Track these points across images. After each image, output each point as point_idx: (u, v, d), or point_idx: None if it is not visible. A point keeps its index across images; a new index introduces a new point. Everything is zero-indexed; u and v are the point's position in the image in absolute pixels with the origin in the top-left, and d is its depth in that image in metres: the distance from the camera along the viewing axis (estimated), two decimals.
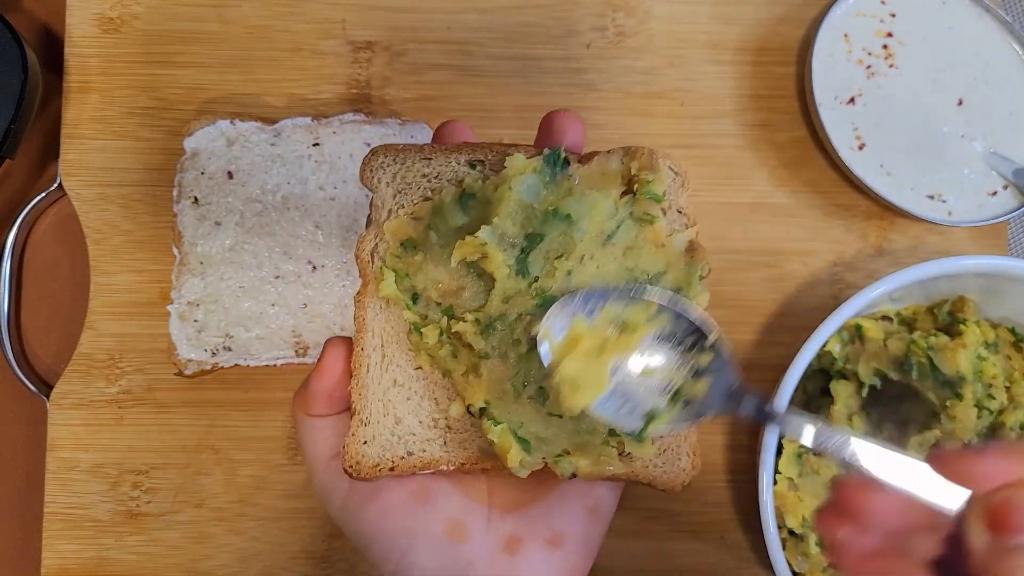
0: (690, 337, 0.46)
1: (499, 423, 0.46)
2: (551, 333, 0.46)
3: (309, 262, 0.73)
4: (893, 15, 0.78)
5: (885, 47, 0.78)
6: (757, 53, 0.80)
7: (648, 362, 0.46)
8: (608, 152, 0.49)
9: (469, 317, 0.47)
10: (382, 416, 0.48)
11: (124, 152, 0.76)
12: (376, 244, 0.49)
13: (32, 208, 0.76)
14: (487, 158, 0.49)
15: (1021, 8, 0.82)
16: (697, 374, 0.46)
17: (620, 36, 0.79)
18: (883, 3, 0.78)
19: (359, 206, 0.74)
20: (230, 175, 0.74)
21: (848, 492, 0.42)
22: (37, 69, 0.74)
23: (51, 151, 0.77)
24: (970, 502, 0.39)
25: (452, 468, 0.49)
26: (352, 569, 0.74)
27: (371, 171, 0.50)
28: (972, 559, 0.38)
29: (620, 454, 0.48)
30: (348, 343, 0.49)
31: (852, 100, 0.77)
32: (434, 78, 0.78)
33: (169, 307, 0.72)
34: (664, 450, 0.49)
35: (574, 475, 0.47)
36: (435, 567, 0.47)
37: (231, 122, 0.74)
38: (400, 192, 0.49)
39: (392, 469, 0.48)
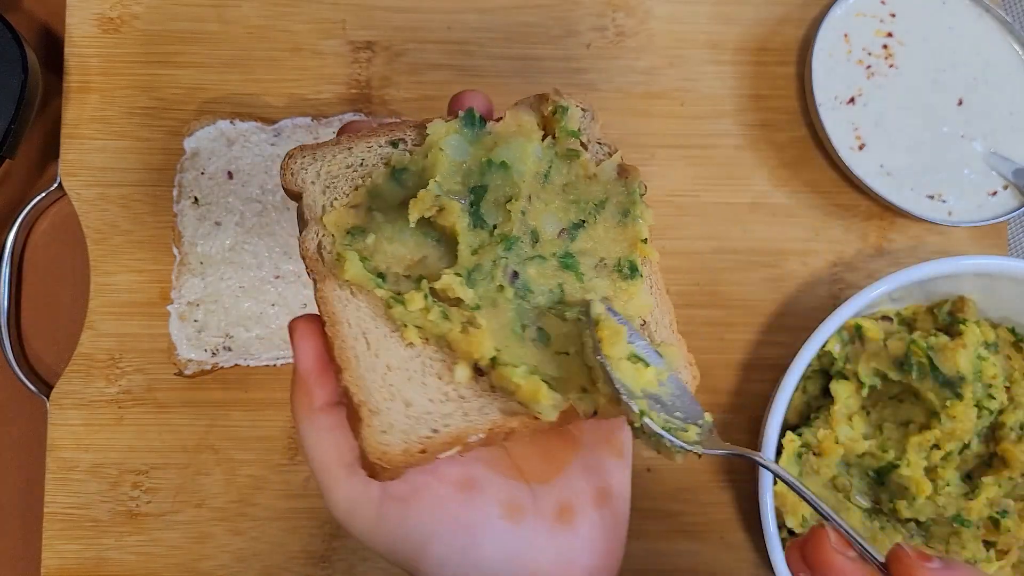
0: (681, 409, 0.47)
1: (517, 367, 0.45)
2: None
3: None
4: (893, 15, 0.78)
5: (885, 47, 0.78)
6: (757, 53, 0.80)
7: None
8: (517, 104, 0.51)
9: (448, 271, 0.46)
10: (390, 402, 0.45)
11: (124, 152, 0.76)
12: (320, 240, 0.47)
13: (32, 208, 0.76)
14: (406, 135, 0.50)
15: (1021, 8, 0.82)
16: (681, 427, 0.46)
17: (620, 36, 0.79)
18: (883, 3, 0.78)
19: None
20: (230, 175, 0.74)
21: (817, 543, 0.41)
22: (37, 69, 0.74)
23: (51, 151, 0.77)
24: None
25: (482, 436, 0.46)
26: (352, 569, 0.74)
27: (292, 174, 0.48)
28: None
29: None
30: (310, 316, 0.47)
31: (852, 100, 0.77)
32: (434, 78, 0.78)
33: (169, 307, 0.72)
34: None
35: (595, 412, 0.46)
36: (502, 555, 0.45)
37: (231, 122, 0.74)
38: (328, 187, 0.49)
39: (423, 452, 0.45)
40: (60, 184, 0.75)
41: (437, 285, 0.46)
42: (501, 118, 0.51)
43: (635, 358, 0.46)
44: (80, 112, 0.76)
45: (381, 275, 0.47)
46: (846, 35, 0.77)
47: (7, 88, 0.71)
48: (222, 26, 0.77)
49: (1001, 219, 0.76)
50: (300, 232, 0.49)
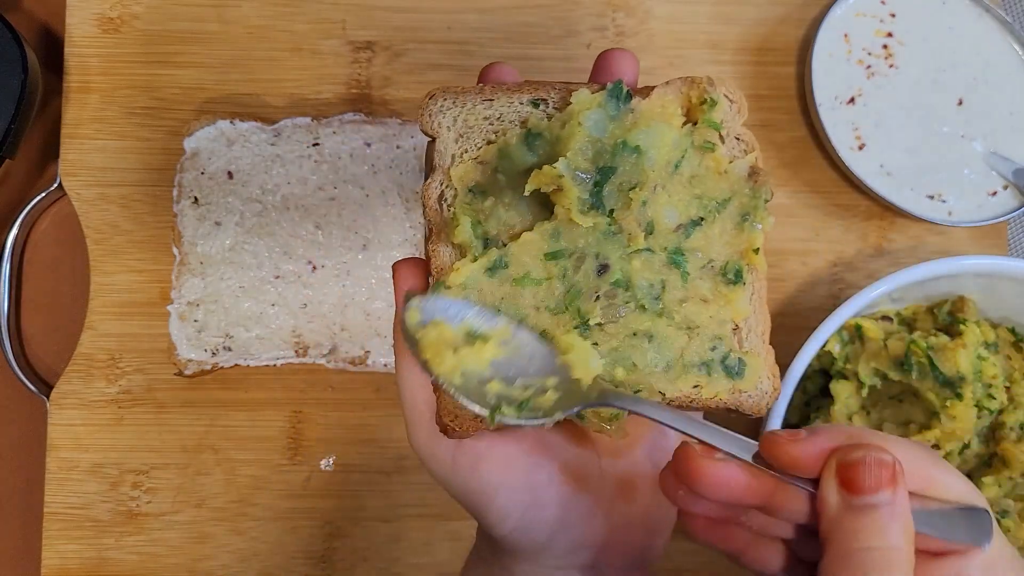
0: (536, 360, 0.46)
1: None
2: (420, 313, 0.45)
3: (309, 262, 0.73)
4: (893, 15, 0.78)
5: (885, 47, 0.78)
6: (757, 53, 0.80)
7: (496, 375, 0.45)
8: (667, 83, 0.49)
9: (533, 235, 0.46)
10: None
11: (124, 152, 0.76)
12: (442, 191, 0.48)
13: (32, 208, 0.76)
14: (549, 96, 0.49)
15: (1021, 8, 0.82)
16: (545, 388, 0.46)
17: (620, 36, 0.79)
18: (883, 3, 0.78)
19: (359, 206, 0.74)
20: (230, 175, 0.74)
21: (683, 458, 0.40)
22: (37, 69, 0.74)
23: (51, 151, 0.77)
24: (826, 463, 0.38)
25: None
26: (352, 569, 0.74)
27: (430, 116, 0.48)
28: (823, 519, 0.38)
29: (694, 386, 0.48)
30: (414, 259, 0.48)
31: (852, 100, 0.77)
32: (434, 78, 0.78)
33: (169, 307, 0.72)
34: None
35: (669, 403, 0.47)
36: (560, 517, 0.47)
37: (231, 122, 0.74)
38: (462, 136, 0.48)
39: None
40: (60, 184, 0.76)
41: (516, 244, 0.46)
42: (648, 90, 0.49)
43: (470, 337, 0.45)
44: (80, 112, 0.76)
45: (488, 239, 0.47)
46: (846, 35, 0.77)
47: (7, 88, 0.71)
48: (222, 26, 0.77)
49: (1001, 219, 0.76)
50: (425, 177, 0.49)
